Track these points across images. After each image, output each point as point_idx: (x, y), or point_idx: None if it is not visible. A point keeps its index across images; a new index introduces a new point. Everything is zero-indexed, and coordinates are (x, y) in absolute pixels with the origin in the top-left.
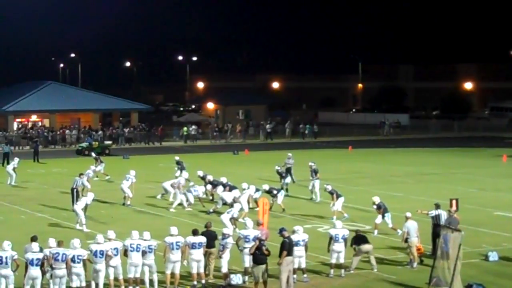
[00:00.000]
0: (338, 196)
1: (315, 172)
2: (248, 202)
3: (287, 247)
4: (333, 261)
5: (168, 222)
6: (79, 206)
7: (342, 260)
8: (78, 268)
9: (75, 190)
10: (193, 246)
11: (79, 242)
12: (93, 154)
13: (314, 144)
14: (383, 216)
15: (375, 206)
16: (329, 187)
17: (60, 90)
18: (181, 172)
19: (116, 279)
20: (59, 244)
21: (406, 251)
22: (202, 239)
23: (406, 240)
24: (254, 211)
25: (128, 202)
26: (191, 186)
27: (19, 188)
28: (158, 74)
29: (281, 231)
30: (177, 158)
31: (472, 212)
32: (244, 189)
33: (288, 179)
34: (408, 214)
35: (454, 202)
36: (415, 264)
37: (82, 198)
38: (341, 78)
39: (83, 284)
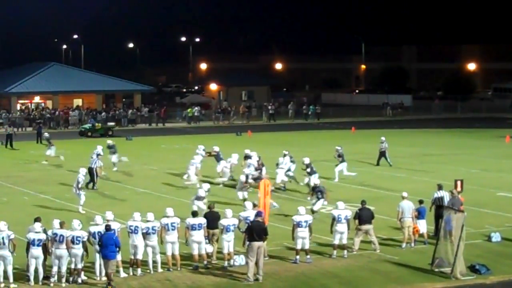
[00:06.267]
0: (313, 172)
1: (340, 156)
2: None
3: (248, 231)
4: (336, 242)
5: (171, 203)
6: (75, 189)
7: (345, 241)
8: (77, 249)
9: (94, 169)
10: (193, 227)
11: (78, 223)
12: (46, 134)
13: (317, 125)
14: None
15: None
16: (307, 160)
17: (62, 71)
18: (112, 155)
19: None
20: (61, 225)
21: (402, 231)
22: (202, 220)
23: (400, 220)
24: (254, 192)
25: (190, 182)
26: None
27: (22, 169)
28: (161, 55)
29: (256, 215)
30: (109, 142)
31: (475, 193)
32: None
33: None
34: (404, 194)
35: (459, 183)
36: (412, 244)
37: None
38: (344, 59)
39: (79, 266)
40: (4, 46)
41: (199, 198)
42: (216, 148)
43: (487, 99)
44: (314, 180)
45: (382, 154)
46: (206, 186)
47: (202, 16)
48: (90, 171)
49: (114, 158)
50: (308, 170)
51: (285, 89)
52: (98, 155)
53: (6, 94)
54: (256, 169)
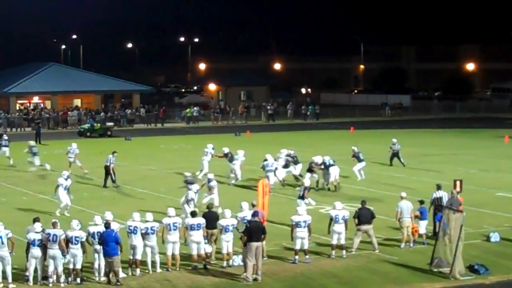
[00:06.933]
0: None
1: (354, 156)
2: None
3: (246, 232)
4: (334, 242)
5: (170, 204)
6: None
7: (343, 241)
8: (75, 249)
9: (108, 167)
10: (191, 227)
11: (77, 223)
12: (31, 143)
13: (316, 125)
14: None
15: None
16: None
17: (61, 71)
18: (34, 156)
19: None
20: (54, 225)
21: (401, 231)
22: (201, 220)
23: (399, 220)
24: (253, 192)
25: (233, 182)
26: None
27: (21, 169)
28: (160, 55)
29: (252, 215)
30: (31, 142)
31: (474, 193)
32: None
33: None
34: (403, 194)
35: (458, 183)
36: (411, 244)
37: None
38: (343, 59)
39: (78, 266)
40: (3, 46)
41: (188, 201)
42: (226, 150)
43: (486, 99)
44: (328, 179)
45: (395, 155)
46: (196, 187)
47: (201, 16)
48: (106, 169)
49: (35, 159)
50: (324, 165)
51: (307, 88)
52: (113, 152)
53: (5, 94)
54: (284, 167)
